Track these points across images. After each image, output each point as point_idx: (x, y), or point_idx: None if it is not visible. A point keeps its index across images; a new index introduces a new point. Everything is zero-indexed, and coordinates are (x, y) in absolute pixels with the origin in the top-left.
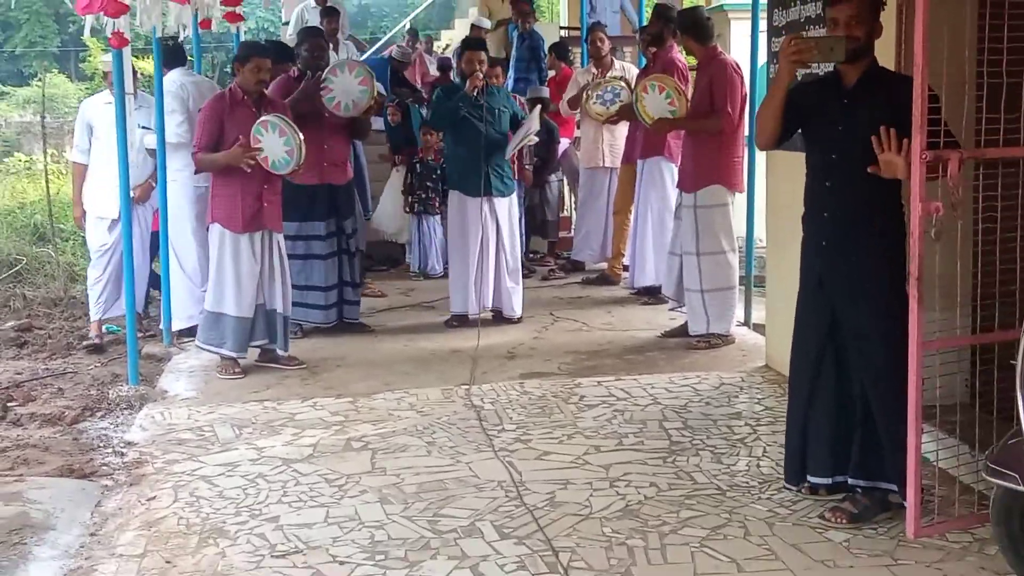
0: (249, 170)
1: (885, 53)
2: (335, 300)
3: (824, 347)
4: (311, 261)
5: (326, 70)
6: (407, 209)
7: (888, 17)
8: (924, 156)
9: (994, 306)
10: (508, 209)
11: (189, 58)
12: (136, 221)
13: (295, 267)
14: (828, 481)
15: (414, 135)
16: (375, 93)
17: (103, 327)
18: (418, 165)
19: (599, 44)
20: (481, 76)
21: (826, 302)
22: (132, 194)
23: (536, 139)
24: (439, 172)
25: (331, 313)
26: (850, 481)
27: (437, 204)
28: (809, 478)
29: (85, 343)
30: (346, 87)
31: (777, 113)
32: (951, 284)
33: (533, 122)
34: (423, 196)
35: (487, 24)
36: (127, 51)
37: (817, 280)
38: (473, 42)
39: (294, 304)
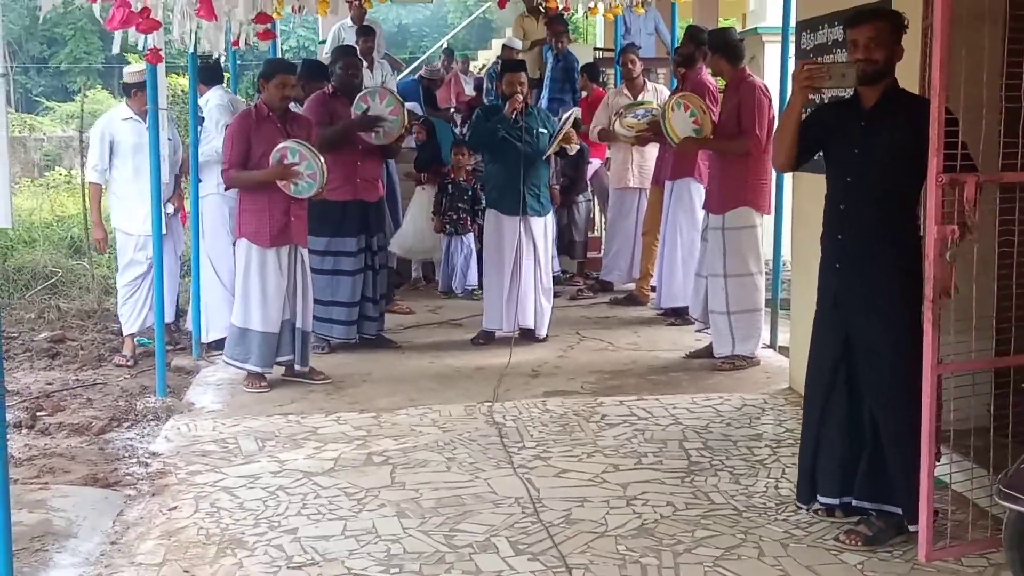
0: (286, 189)
1: (909, 76)
2: (357, 316)
3: (837, 366)
4: (338, 277)
5: (357, 97)
6: (438, 229)
7: (912, 41)
8: (940, 179)
9: (1010, 330)
10: (544, 229)
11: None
12: (170, 233)
13: (322, 282)
14: (836, 501)
15: (440, 153)
16: (406, 121)
17: (136, 341)
18: (449, 185)
19: (631, 65)
20: (521, 98)
21: (841, 322)
22: (171, 207)
23: (577, 146)
24: (471, 192)
25: (352, 329)
26: (855, 503)
27: (468, 223)
28: (819, 497)
29: (117, 361)
30: (377, 115)
31: (791, 136)
32: (968, 307)
33: (572, 114)
34: (454, 217)
35: (519, 45)
36: (162, 67)
37: (832, 300)
38: (513, 64)
39: (319, 319)
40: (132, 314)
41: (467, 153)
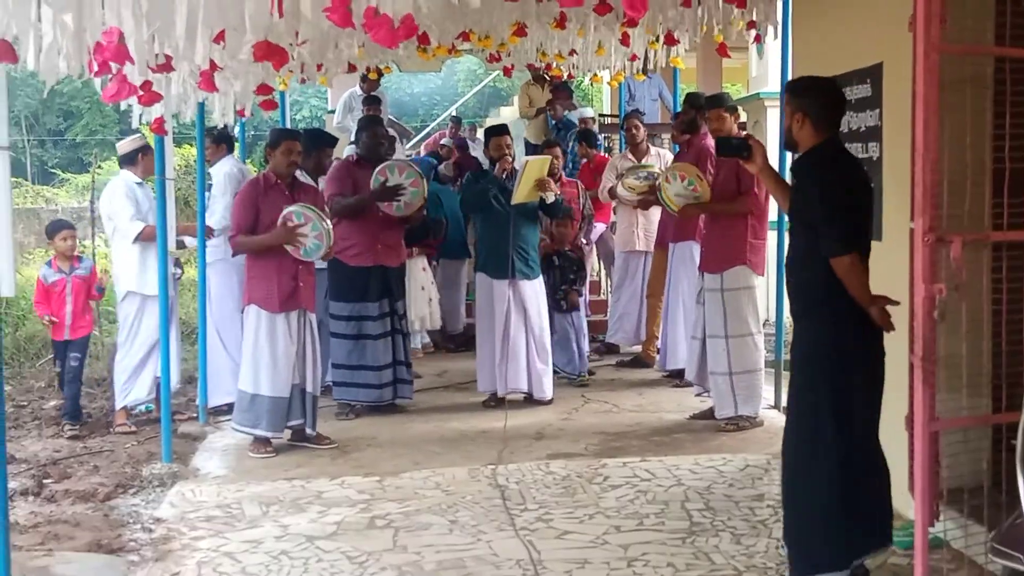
0: (296, 253)
1: (904, 140)
2: (390, 379)
3: None
4: (363, 341)
5: (375, 171)
6: (552, 307)
7: (905, 104)
8: (927, 239)
9: (1001, 388)
10: (534, 291)
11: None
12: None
13: (346, 347)
14: None
15: (430, 223)
16: (425, 193)
17: (144, 408)
18: (556, 258)
19: (634, 131)
20: (510, 159)
21: None
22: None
23: (552, 195)
24: (578, 266)
25: (385, 392)
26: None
27: (577, 299)
28: None
29: (118, 429)
30: (397, 183)
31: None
32: (958, 365)
33: (529, 161)
34: (566, 291)
35: (591, 113)
36: (169, 138)
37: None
38: (498, 128)
39: (344, 384)
40: (135, 385)
41: (569, 224)
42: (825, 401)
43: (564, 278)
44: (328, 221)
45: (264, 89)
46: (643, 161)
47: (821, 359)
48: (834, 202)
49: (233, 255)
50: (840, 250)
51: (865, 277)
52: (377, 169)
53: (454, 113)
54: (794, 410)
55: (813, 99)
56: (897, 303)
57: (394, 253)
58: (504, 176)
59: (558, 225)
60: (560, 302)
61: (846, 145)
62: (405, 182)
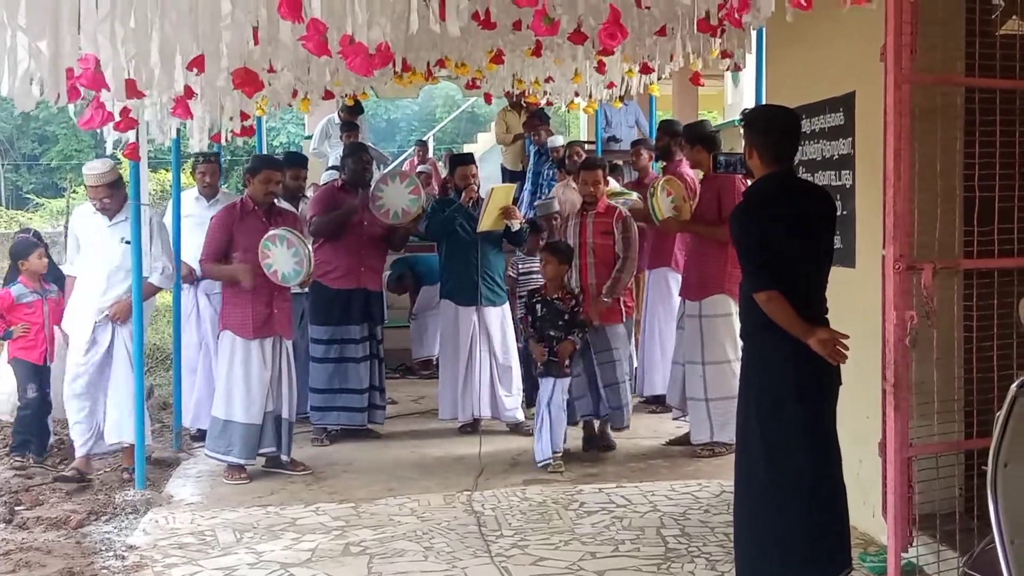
0: (249, 287)
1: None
2: (367, 403)
3: None
4: (345, 364)
5: (376, 179)
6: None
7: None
8: (898, 266)
9: (973, 414)
10: (499, 318)
11: None
12: (121, 342)
13: (327, 371)
14: None
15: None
16: (424, 202)
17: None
18: (539, 305)
19: (576, 158)
20: (476, 188)
21: None
22: (108, 311)
23: (518, 223)
24: (568, 317)
25: (363, 416)
26: None
27: (566, 366)
28: None
29: (69, 472)
30: (396, 196)
31: None
32: (930, 392)
33: (494, 190)
34: (544, 348)
35: (560, 141)
36: (143, 164)
37: None
38: (463, 157)
39: (323, 408)
40: (87, 429)
41: (558, 261)
42: (756, 427)
43: (543, 334)
44: (309, 247)
45: (241, 115)
46: None
47: (756, 383)
48: (751, 244)
49: (201, 278)
50: (756, 287)
51: (788, 312)
52: (379, 178)
53: (431, 139)
54: (738, 436)
55: (757, 131)
56: (846, 336)
57: (376, 276)
58: (470, 204)
59: (545, 263)
60: (537, 365)
61: (820, 172)
62: (405, 190)
